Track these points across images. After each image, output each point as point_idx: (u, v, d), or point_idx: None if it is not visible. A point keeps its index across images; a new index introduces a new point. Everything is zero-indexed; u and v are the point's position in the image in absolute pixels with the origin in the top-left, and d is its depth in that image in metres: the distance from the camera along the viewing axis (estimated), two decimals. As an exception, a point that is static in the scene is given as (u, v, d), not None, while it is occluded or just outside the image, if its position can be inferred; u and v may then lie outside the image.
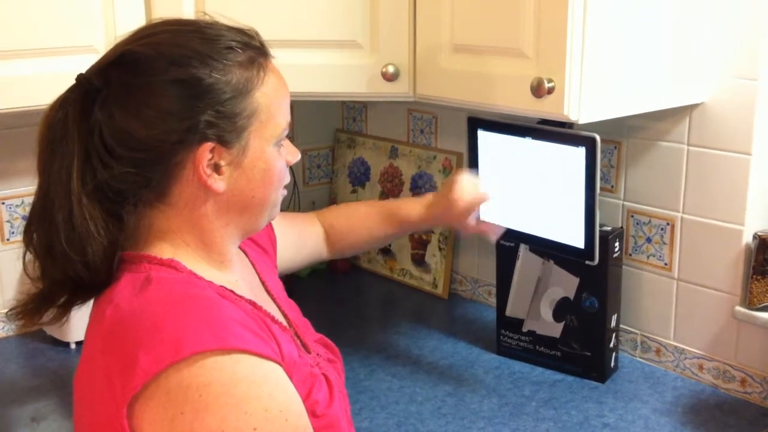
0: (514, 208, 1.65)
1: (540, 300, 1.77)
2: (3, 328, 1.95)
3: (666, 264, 1.73)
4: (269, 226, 1.36)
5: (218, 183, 1.00)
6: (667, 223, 1.71)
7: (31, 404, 1.66)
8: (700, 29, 1.54)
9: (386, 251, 2.31)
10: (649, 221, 1.74)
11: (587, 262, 1.56)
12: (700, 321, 1.69)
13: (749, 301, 1.59)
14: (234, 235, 1.07)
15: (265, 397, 0.90)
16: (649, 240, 1.74)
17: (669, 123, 1.66)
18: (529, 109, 1.39)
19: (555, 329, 1.76)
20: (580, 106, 1.36)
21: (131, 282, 0.97)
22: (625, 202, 1.77)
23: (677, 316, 1.73)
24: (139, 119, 0.95)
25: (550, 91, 1.34)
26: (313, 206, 2.42)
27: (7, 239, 1.92)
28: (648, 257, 1.75)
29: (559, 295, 1.74)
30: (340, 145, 2.45)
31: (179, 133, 0.96)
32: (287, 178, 1.09)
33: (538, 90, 1.34)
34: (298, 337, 1.17)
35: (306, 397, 1.02)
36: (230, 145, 0.99)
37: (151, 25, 1.04)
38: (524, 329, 1.80)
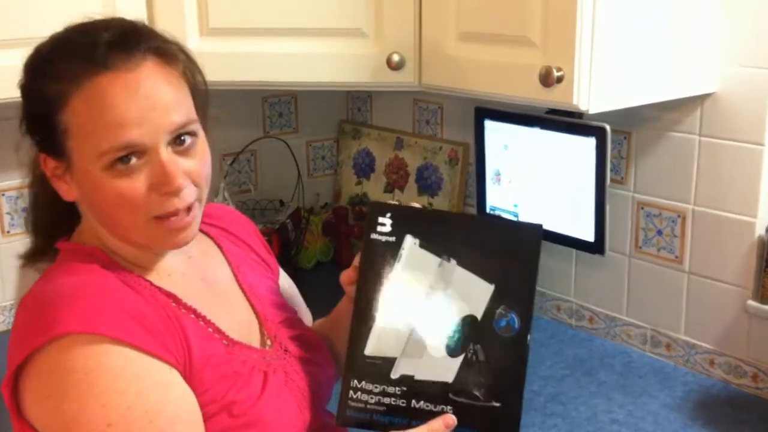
0: (520, 200, 1.62)
1: (426, 324, 1.10)
2: (4, 321, 1.93)
3: (677, 257, 1.70)
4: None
5: (63, 189, 1.01)
6: (678, 216, 1.68)
7: (31, 399, 1.64)
8: (712, 18, 1.51)
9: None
10: (660, 213, 1.71)
11: (597, 254, 1.54)
12: (711, 315, 1.66)
13: (761, 295, 1.57)
14: (128, 243, 1.02)
15: (131, 394, 0.89)
16: (659, 233, 1.72)
17: (680, 113, 1.63)
18: (537, 98, 1.37)
19: (447, 370, 1.09)
20: (590, 96, 1.33)
21: (47, 272, 1.02)
22: (635, 194, 1.74)
23: (688, 310, 1.70)
24: None
25: (559, 80, 1.32)
26: (317, 198, 2.40)
27: (7, 231, 1.90)
28: (658, 250, 1.72)
29: (459, 314, 1.09)
30: (345, 136, 2.42)
31: (27, 138, 1.02)
32: (154, 206, 0.96)
33: (547, 79, 1.32)
34: (263, 330, 1.13)
35: (221, 397, 0.99)
36: (55, 157, 0.99)
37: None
38: (394, 375, 1.09)
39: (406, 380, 1.09)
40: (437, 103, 2.14)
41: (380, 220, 1.11)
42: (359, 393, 1.09)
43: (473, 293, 1.10)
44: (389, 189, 2.28)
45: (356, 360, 1.09)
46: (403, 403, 1.09)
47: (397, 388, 1.09)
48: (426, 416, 1.08)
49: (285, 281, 1.31)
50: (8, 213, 1.89)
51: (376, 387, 1.09)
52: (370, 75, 1.61)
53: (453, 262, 1.11)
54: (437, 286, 1.10)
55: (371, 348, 1.09)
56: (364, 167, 2.36)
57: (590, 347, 1.82)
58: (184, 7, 1.60)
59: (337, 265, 2.33)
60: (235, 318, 1.10)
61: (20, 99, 1.01)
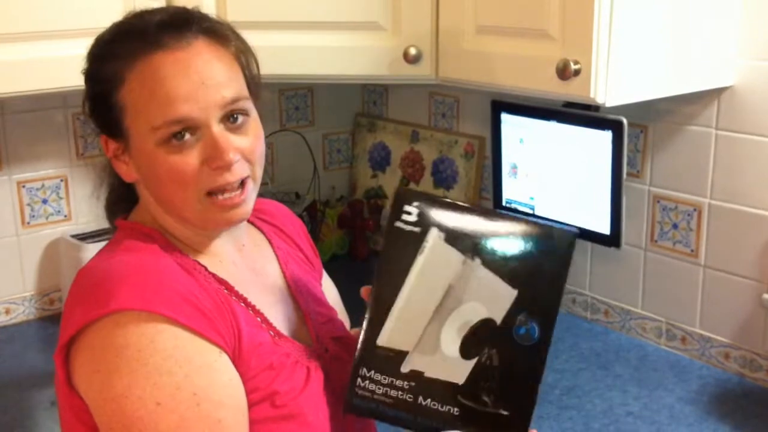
0: (537, 193, 1.63)
1: (444, 322, 1.06)
2: (24, 312, 1.95)
3: (692, 251, 1.70)
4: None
5: (123, 170, 1.03)
6: (694, 209, 1.68)
7: (51, 388, 1.64)
8: (729, 11, 1.51)
9: (407, 237, 2.29)
10: (676, 207, 1.71)
11: (613, 248, 1.54)
12: (726, 309, 1.66)
13: (778, 289, 1.57)
14: (183, 223, 1.04)
15: (181, 375, 0.90)
16: (675, 226, 1.72)
17: (697, 107, 1.63)
18: (554, 91, 1.37)
19: (458, 371, 1.05)
20: (607, 89, 1.33)
21: (105, 248, 1.03)
22: (651, 188, 1.74)
23: (703, 303, 1.70)
24: None
25: (576, 73, 1.32)
26: (332, 191, 2.41)
27: (28, 222, 1.91)
28: (674, 244, 1.72)
29: (477, 316, 1.05)
30: (360, 129, 2.43)
31: (92, 120, 1.04)
32: (206, 181, 0.99)
33: (564, 72, 1.32)
34: (306, 327, 1.14)
35: (265, 386, 1.00)
36: (114, 137, 1.02)
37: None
38: (404, 369, 1.06)
39: (416, 376, 1.05)
40: (453, 96, 2.14)
41: (406, 208, 1.04)
42: (367, 382, 1.05)
43: (495, 297, 1.04)
44: (405, 182, 2.28)
45: (367, 349, 1.05)
46: (410, 398, 1.05)
47: (406, 383, 1.05)
48: (431, 415, 1.05)
49: (327, 283, 1.31)
50: (28, 204, 1.91)
51: (384, 378, 1.06)
52: (387, 68, 1.61)
53: (477, 261, 1.04)
54: (457, 285, 1.04)
55: (384, 338, 1.04)
56: (380, 160, 2.36)
57: (605, 340, 1.83)
58: (202, 1, 1.61)
59: (351, 260, 2.35)
60: (281, 312, 1.11)
61: (84, 85, 1.03)
